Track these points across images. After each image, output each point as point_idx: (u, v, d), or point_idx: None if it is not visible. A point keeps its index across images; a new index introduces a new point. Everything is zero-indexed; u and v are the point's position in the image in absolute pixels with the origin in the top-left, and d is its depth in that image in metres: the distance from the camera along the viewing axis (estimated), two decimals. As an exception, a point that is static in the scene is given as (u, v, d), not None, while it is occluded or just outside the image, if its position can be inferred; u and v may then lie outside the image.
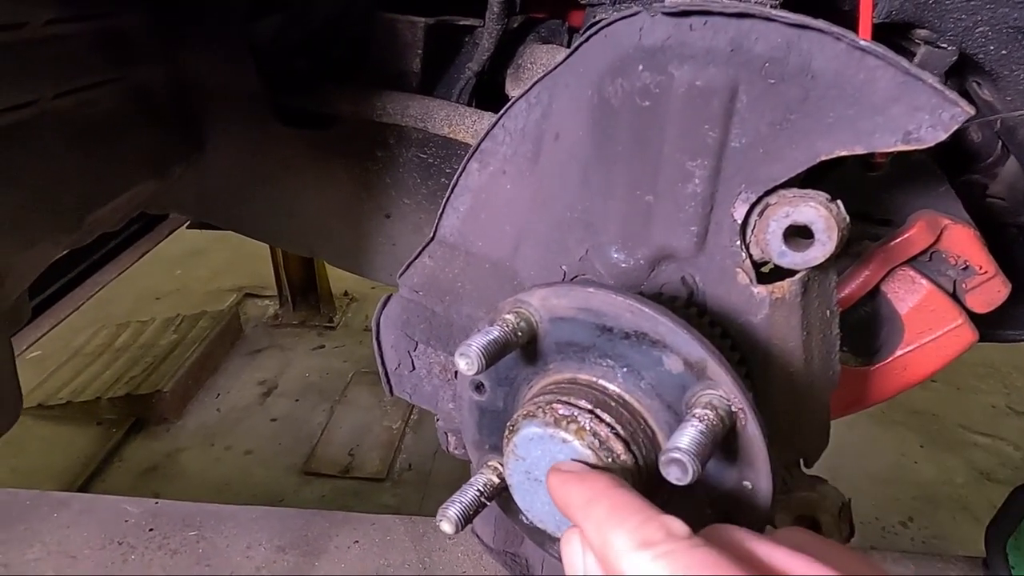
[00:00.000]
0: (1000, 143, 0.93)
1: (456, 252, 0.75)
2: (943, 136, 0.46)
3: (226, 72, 1.15)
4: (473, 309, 0.75)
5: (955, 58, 0.77)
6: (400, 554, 1.69)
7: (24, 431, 2.87)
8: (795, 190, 0.53)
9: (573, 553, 0.47)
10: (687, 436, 0.44)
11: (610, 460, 0.50)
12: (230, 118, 1.20)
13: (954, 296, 0.73)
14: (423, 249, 0.76)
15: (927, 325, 0.73)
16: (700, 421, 0.46)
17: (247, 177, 1.28)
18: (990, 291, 0.72)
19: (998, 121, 0.86)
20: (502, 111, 0.68)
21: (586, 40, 0.59)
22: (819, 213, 0.50)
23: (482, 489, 0.59)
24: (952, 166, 0.92)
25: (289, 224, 1.32)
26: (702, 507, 0.54)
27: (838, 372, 0.62)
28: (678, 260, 0.60)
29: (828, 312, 0.59)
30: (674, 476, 0.43)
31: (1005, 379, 3.31)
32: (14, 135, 0.86)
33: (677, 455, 0.43)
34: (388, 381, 0.83)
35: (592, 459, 0.50)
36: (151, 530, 1.77)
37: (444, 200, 0.73)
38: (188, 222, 2.54)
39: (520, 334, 0.54)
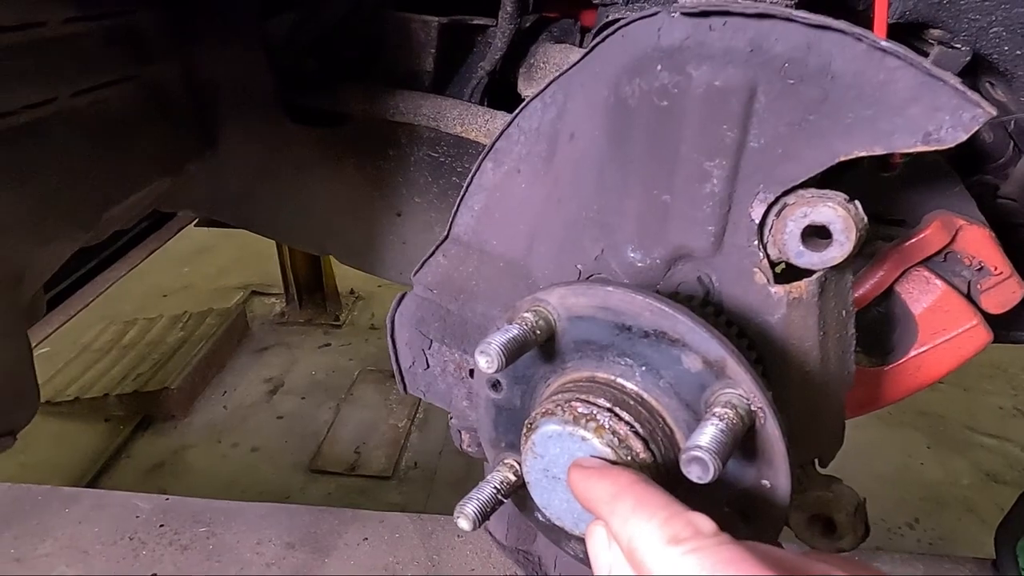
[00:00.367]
0: (1012, 143, 0.93)
1: (470, 251, 0.75)
2: (964, 137, 0.47)
3: (239, 70, 1.16)
4: (487, 307, 0.75)
5: (969, 58, 0.77)
6: (409, 551, 1.70)
7: (33, 427, 2.87)
8: (813, 190, 0.53)
9: (599, 547, 0.46)
10: (707, 434, 0.45)
11: (629, 458, 0.50)
12: (243, 116, 1.21)
13: (968, 297, 0.73)
14: (437, 247, 0.77)
15: (941, 326, 0.73)
16: (720, 420, 0.46)
17: (259, 175, 1.29)
18: (1005, 292, 0.72)
19: (1011, 121, 0.86)
20: (517, 110, 0.68)
21: (603, 40, 0.59)
22: (837, 213, 0.51)
23: (499, 486, 0.60)
24: (964, 166, 0.92)
25: (300, 222, 1.33)
26: (720, 506, 0.54)
27: (853, 372, 0.62)
28: (694, 259, 0.60)
29: (844, 312, 0.59)
30: (695, 474, 0.43)
31: (1013, 380, 3.30)
32: (33, 133, 0.87)
33: (698, 453, 0.43)
34: (402, 379, 0.83)
35: (611, 457, 0.50)
36: (162, 526, 1.78)
37: (458, 199, 0.73)
38: (196, 219, 2.56)
39: (539, 332, 0.54)
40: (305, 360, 3.51)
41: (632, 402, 0.53)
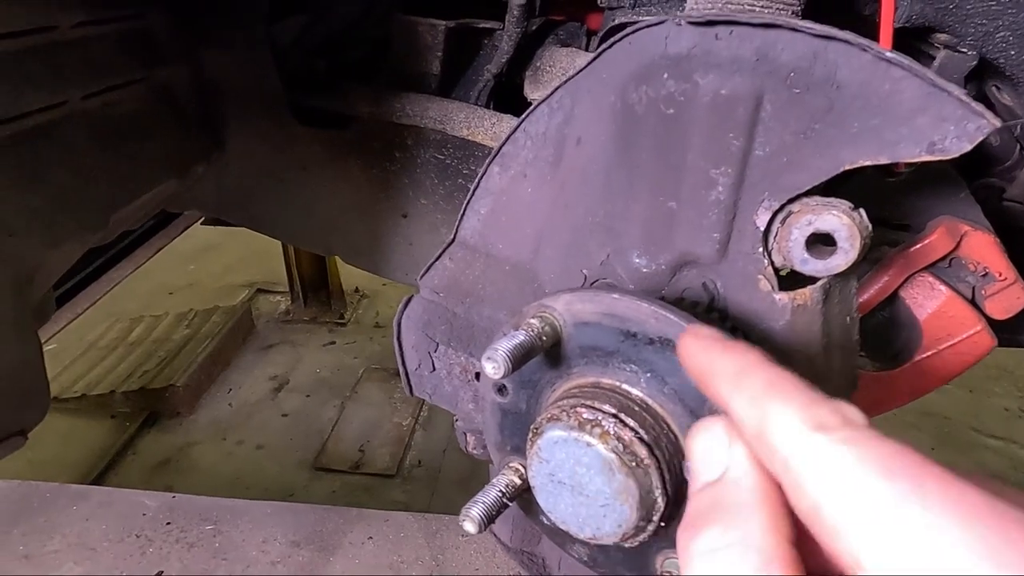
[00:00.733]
0: (1018, 147, 0.93)
1: (477, 254, 0.75)
2: (968, 147, 0.47)
3: (247, 72, 1.17)
4: (494, 311, 0.76)
5: (975, 62, 0.78)
6: (413, 551, 1.71)
7: (40, 423, 2.91)
8: (818, 198, 0.54)
9: (714, 445, 0.37)
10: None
11: (634, 464, 0.51)
12: (251, 117, 1.22)
13: (973, 302, 0.73)
14: (444, 251, 0.77)
15: (946, 331, 0.73)
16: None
17: (266, 176, 1.29)
18: (1009, 298, 0.72)
19: (1018, 125, 0.86)
20: (524, 115, 0.68)
21: (610, 46, 0.59)
22: (842, 221, 0.51)
23: (504, 490, 0.60)
24: (969, 170, 0.92)
25: (307, 223, 1.33)
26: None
27: (858, 378, 0.62)
28: (699, 266, 0.60)
29: (848, 318, 0.60)
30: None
31: (1018, 382, 3.29)
32: (43, 136, 0.88)
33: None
34: (408, 381, 0.84)
35: (616, 463, 0.50)
36: (168, 524, 1.79)
37: (465, 202, 0.74)
38: (202, 218, 2.57)
39: (545, 338, 0.55)
40: (310, 358, 3.52)
41: (637, 408, 0.53)
